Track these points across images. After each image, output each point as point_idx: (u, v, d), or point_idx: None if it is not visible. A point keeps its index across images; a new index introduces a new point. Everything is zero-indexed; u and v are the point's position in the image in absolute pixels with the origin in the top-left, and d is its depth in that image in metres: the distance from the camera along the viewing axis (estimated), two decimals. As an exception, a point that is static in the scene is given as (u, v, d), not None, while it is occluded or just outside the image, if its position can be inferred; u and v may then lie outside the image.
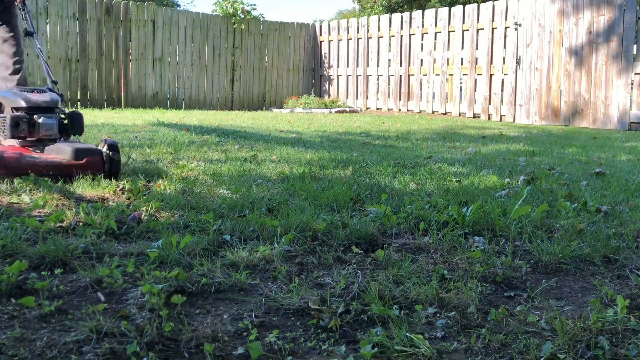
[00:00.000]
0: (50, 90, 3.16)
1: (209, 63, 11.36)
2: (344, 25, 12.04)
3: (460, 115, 9.97)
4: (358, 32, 11.70)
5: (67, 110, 3.15)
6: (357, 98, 11.76)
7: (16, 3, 3.71)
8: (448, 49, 10.13)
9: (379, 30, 11.29)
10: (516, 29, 9.10)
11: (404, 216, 2.25)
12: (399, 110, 10.90)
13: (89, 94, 10.01)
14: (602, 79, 8.21)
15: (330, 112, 10.52)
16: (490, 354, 1.21)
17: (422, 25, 10.55)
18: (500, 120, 9.36)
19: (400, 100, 10.94)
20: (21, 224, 2.00)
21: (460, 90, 10.06)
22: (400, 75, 10.89)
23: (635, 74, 7.91)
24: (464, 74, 9.90)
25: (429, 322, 1.35)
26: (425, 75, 10.51)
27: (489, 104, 9.54)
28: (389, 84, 11.20)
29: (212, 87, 11.45)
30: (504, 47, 9.29)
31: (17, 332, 1.23)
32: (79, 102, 9.90)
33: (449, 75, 10.13)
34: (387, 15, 11.41)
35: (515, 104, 9.20)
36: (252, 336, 1.24)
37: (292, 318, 1.36)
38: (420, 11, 10.82)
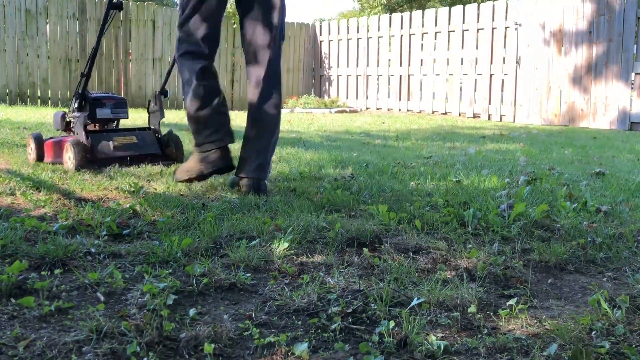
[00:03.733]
0: None
1: (209, 63, 11.34)
2: (344, 25, 12.03)
3: (460, 115, 9.97)
4: (358, 32, 11.69)
5: None
6: (357, 98, 11.75)
7: None
8: (448, 49, 10.12)
9: (379, 30, 11.28)
10: (516, 29, 9.10)
11: (404, 216, 2.25)
12: (399, 110, 10.90)
13: (89, 94, 10.00)
14: (602, 79, 8.21)
15: (330, 112, 10.52)
16: (491, 355, 1.21)
17: (422, 25, 10.54)
18: (501, 120, 9.36)
19: (400, 100, 10.93)
20: (21, 224, 2.00)
21: (461, 90, 10.06)
22: (400, 75, 10.89)
23: (636, 74, 7.90)
24: (464, 74, 9.90)
25: (430, 321, 1.35)
26: (425, 75, 10.51)
27: (489, 104, 9.53)
28: (389, 84, 11.20)
29: (212, 87, 11.42)
30: (504, 47, 9.29)
31: (17, 332, 1.23)
32: (79, 102, 9.89)
33: (449, 75, 10.13)
34: (387, 15, 11.41)
35: (515, 104, 9.20)
36: (255, 336, 1.24)
37: (293, 318, 1.36)
38: (421, 11, 10.82)
